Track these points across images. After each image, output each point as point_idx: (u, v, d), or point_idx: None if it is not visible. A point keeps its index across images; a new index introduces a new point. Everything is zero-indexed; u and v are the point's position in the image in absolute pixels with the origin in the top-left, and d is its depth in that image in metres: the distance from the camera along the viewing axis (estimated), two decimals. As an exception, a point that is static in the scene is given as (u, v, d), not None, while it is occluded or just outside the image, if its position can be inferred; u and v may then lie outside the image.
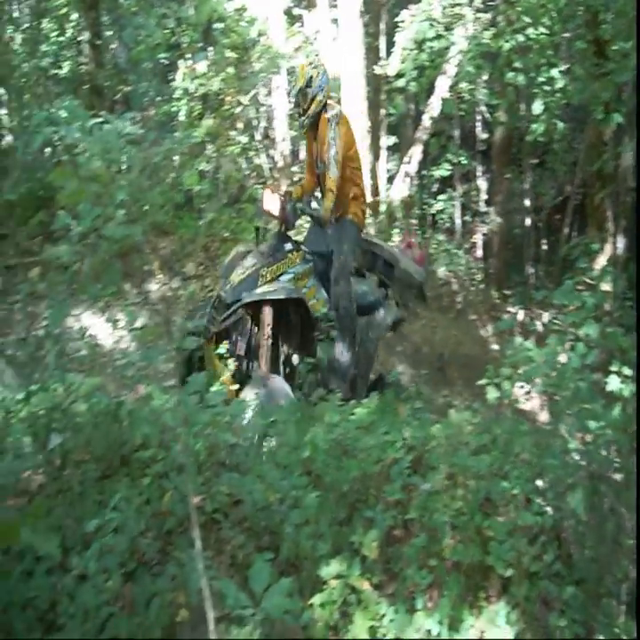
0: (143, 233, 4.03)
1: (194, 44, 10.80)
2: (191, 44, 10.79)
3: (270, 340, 4.71)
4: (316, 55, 11.38)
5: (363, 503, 2.48)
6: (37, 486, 2.64)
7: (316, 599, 2.00)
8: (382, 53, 12.85)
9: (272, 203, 4.94)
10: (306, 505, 2.36)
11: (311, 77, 4.92)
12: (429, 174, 13.57)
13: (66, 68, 13.28)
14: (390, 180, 12.40)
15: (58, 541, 2.12)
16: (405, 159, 11.98)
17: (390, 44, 12.36)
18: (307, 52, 11.43)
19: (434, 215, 13.80)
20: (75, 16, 12.73)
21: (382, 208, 11.62)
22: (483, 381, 3.29)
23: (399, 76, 11.08)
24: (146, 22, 11.28)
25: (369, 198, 5.28)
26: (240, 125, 10.76)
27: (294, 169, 11.60)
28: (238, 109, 10.42)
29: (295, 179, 11.75)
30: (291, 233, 5.10)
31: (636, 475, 2.53)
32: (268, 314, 4.72)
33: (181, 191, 8.38)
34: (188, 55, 10.65)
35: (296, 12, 12.20)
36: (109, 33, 11.51)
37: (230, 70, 10.51)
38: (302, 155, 13.08)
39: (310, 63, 5.07)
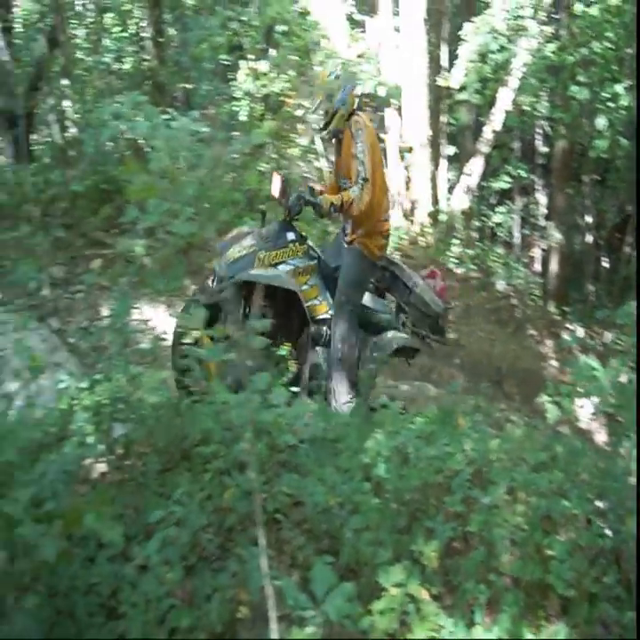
0: (210, 231, 4.06)
1: (255, 46, 10.90)
2: (253, 46, 10.88)
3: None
4: (377, 63, 11.39)
5: (423, 513, 2.47)
6: (99, 474, 2.69)
7: (377, 606, 1.99)
8: (443, 62, 12.81)
9: (275, 186, 4.79)
10: (366, 511, 2.36)
11: (332, 91, 4.69)
12: (488, 186, 13.47)
13: (127, 63, 13.47)
14: (450, 189, 12.34)
15: (121, 530, 2.15)
16: (466, 170, 11.91)
17: (451, 53, 12.33)
18: (368, 58, 11.41)
19: (492, 227, 13.69)
20: (137, 13, 12.92)
21: (442, 218, 11.59)
22: (543, 399, 3.27)
23: (462, 88, 11.03)
24: (209, 23, 11.40)
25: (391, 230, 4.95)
26: (301, 128, 10.80)
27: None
28: (299, 112, 10.47)
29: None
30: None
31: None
32: (258, 296, 4.57)
33: (242, 191, 8.44)
34: (250, 56, 10.74)
35: (358, 17, 12.18)
36: (172, 31, 11.62)
37: (291, 73, 10.56)
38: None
39: (331, 73, 4.81)
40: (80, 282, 5.09)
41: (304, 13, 10.81)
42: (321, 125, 4.78)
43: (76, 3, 12.98)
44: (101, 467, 2.70)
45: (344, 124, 4.67)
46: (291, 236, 4.76)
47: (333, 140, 4.88)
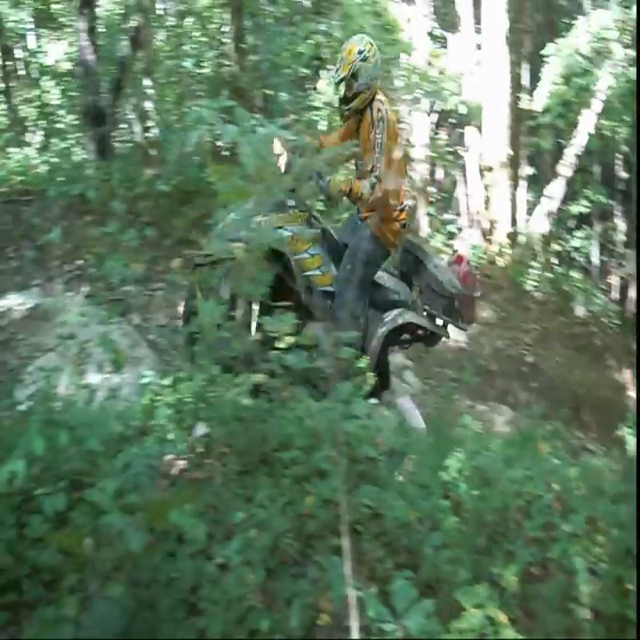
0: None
1: (336, 56, 10.95)
2: (334, 57, 10.94)
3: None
4: (459, 80, 11.36)
5: (502, 535, 2.45)
6: (178, 471, 2.72)
7: (457, 625, 1.98)
8: (525, 80, 12.70)
9: (279, 154, 4.50)
10: (445, 528, 2.35)
11: (359, 70, 4.50)
12: (567, 209, 13.29)
13: (207, 68, 13.63)
14: (528, 211, 12.21)
15: (203, 528, 2.18)
16: (547, 193, 11.76)
17: (532, 72, 12.23)
18: (449, 74, 11.40)
19: (570, 252, 13.49)
20: (217, 18, 13.08)
21: (520, 239, 11.48)
22: (622, 430, 3.22)
23: (545, 110, 10.92)
24: (291, 32, 11.49)
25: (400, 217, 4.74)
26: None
27: (431, 189, 11.60)
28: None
29: (431, 199, 11.77)
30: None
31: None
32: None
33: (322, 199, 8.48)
34: (330, 66, 10.81)
35: (440, 33, 12.18)
36: (252, 38, 11.74)
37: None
38: (439, 174, 13.07)
39: (360, 51, 4.55)
40: (160, 280, 5.18)
41: (386, 27, 10.85)
42: (341, 98, 4.62)
43: (156, 6, 13.18)
44: (181, 463, 2.73)
45: (365, 106, 4.52)
46: (291, 202, 4.58)
47: (354, 116, 4.67)
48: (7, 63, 13.46)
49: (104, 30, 12.82)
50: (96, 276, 5.28)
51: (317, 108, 10.64)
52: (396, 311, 4.67)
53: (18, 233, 7.39)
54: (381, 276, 4.82)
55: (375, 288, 4.73)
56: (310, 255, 4.58)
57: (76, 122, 12.86)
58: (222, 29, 12.74)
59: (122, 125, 12.26)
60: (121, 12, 13.15)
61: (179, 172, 7.11)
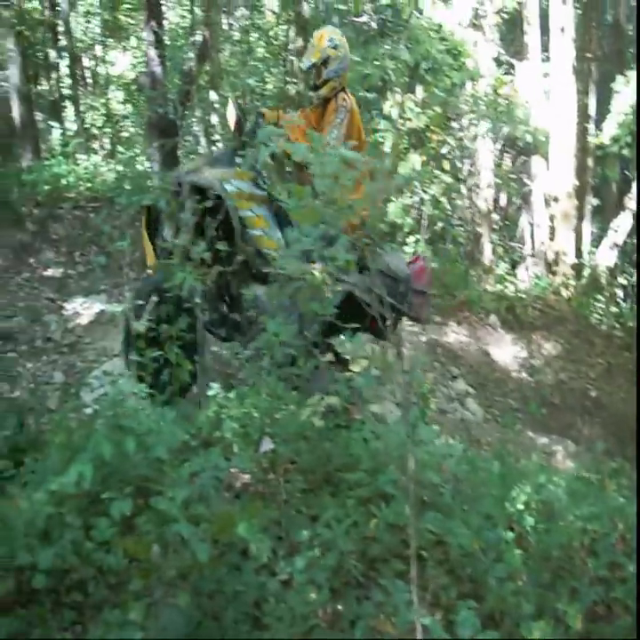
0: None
1: (402, 80, 10.99)
2: (399, 80, 10.98)
3: (189, 232, 4.32)
4: (525, 108, 11.30)
5: (567, 572, 2.42)
6: (242, 484, 2.74)
7: (522, 660, 1.97)
8: (592, 110, 12.59)
9: (230, 114, 4.58)
10: (510, 560, 2.33)
11: (328, 57, 4.53)
12: (633, 242, 13.08)
13: (270, 84, 13.74)
14: (593, 242, 12.06)
15: (269, 543, 2.20)
16: (613, 225, 11.60)
17: (599, 101, 12.13)
18: (516, 102, 11.35)
19: (634, 286, 13.26)
20: (282, 35, 13.20)
21: (585, 271, 11.35)
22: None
23: (615, 140, 10.81)
24: (357, 53, 11.54)
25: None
26: (446, 166, 10.81)
27: (495, 216, 11.55)
28: (444, 150, 10.52)
29: (495, 226, 11.72)
30: None
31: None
32: (189, 202, 4.37)
33: (385, 222, 8.52)
34: (396, 89, 10.85)
35: (506, 59, 12.15)
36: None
37: (437, 109, 10.61)
38: (503, 201, 13.01)
39: (330, 39, 4.58)
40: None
41: (452, 52, 10.86)
42: (312, 86, 4.67)
43: (222, 20, 13.36)
44: (245, 477, 2.76)
45: (332, 96, 4.56)
46: (238, 159, 4.53)
47: (318, 108, 4.72)
48: (75, 71, 13.78)
49: (171, 43, 13.05)
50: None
51: (382, 131, 10.67)
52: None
53: (86, 239, 7.56)
54: None
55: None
56: (254, 214, 4.52)
57: (142, 131, 13.07)
58: (287, 46, 12.84)
59: (186, 137, 12.43)
60: (187, 25, 13.37)
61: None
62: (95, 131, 14.40)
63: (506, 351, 8.73)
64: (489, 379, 6.42)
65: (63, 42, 13.35)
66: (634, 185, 11.57)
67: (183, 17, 14.37)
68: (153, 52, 9.11)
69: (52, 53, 13.29)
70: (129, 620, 2.08)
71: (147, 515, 2.43)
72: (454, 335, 8.49)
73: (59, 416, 3.27)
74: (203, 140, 11.50)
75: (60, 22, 12.99)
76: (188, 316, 4.04)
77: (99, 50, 14.80)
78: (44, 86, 13.62)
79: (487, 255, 11.31)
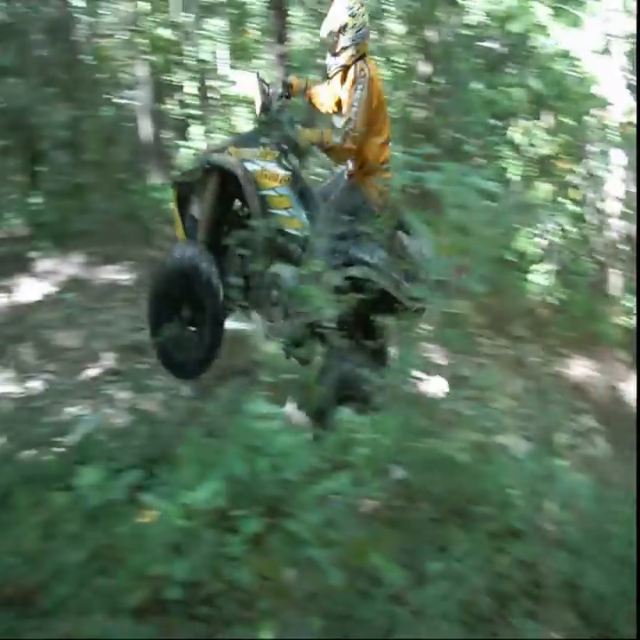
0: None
1: (529, 106, 10.83)
2: (527, 106, 10.82)
3: (211, 211, 4.65)
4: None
5: None
6: (372, 511, 2.74)
7: None
8: None
9: (255, 93, 4.71)
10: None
11: (346, 25, 4.54)
12: None
13: (395, 107, 13.74)
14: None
15: (402, 572, 2.19)
16: None
17: None
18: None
19: None
20: (407, 59, 13.18)
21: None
22: None
23: None
24: (484, 80, 11.46)
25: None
26: (574, 195, 10.58)
27: (624, 248, 11.17)
28: (572, 178, 10.30)
29: (624, 257, 11.34)
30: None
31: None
32: (211, 182, 4.62)
33: (510, 250, 8.42)
34: (523, 115, 10.71)
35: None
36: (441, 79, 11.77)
37: (565, 137, 10.41)
38: (633, 232, 12.56)
39: (348, 7, 4.56)
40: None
41: (581, 78, 10.64)
42: (330, 53, 4.68)
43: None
44: (373, 503, 2.75)
45: (352, 63, 4.57)
46: (264, 139, 4.71)
47: (338, 74, 4.75)
48: (202, 92, 14.26)
49: (296, 64, 13.26)
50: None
51: (507, 158, 10.56)
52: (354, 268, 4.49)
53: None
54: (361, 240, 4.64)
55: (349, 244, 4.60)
56: (277, 194, 4.64)
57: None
58: (413, 71, 12.84)
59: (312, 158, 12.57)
60: (312, 47, 13.57)
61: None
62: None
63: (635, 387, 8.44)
64: (617, 415, 6.15)
65: (190, 62, 13.84)
66: None
67: (308, 40, 14.60)
68: (279, 74, 9.32)
69: (180, 75, 13.83)
70: (259, 638, 2.11)
71: (277, 535, 2.46)
72: (581, 368, 8.25)
73: (190, 430, 3.36)
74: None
75: (187, 45, 13.48)
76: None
77: (224, 70, 15.23)
78: (170, 106, 14.13)
79: (616, 287, 10.95)
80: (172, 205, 4.99)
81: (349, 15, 4.54)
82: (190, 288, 4.66)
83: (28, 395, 4.84)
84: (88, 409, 4.74)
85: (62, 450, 3.75)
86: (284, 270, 4.64)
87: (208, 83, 14.50)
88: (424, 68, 11.36)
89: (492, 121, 11.45)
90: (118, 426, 4.21)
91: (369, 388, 3.79)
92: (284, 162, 4.73)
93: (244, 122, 15.42)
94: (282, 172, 4.69)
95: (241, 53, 15.54)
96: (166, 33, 13.29)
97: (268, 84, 4.84)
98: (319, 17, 12.92)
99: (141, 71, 11.05)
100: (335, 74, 4.77)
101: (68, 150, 10.69)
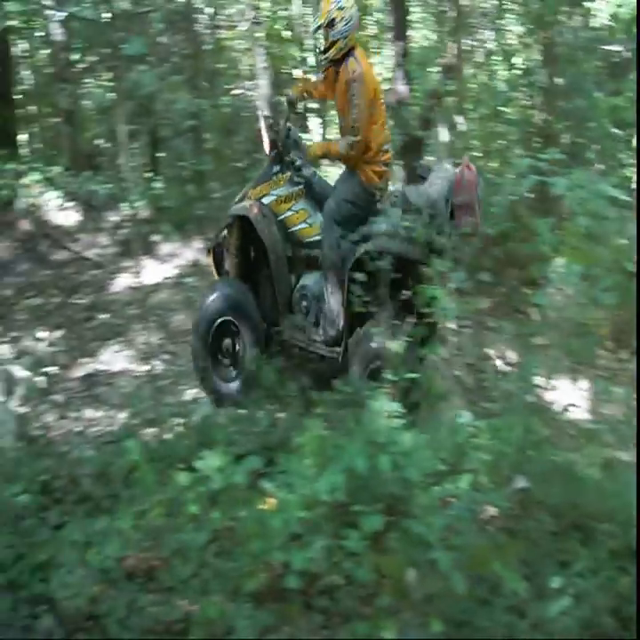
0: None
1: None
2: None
3: (237, 256, 4.98)
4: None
5: None
6: (490, 518, 2.74)
7: None
8: None
9: (264, 133, 5.19)
10: None
11: (334, 19, 4.59)
12: None
13: (511, 107, 13.46)
14: None
15: (524, 584, 2.18)
16: None
17: None
18: None
19: None
20: (521, 57, 12.89)
21: None
22: None
23: None
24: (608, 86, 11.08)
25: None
26: None
27: None
28: None
29: None
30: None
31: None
32: (233, 230, 4.96)
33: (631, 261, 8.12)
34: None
35: None
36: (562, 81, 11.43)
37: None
38: None
39: (336, 1, 4.63)
40: (466, 318, 5.22)
41: None
42: (321, 49, 4.79)
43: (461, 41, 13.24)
44: (492, 511, 2.74)
45: (341, 57, 4.65)
46: (275, 168, 5.02)
47: (330, 67, 4.84)
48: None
49: (416, 62, 13.15)
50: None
51: (631, 166, 10.20)
52: (375, 239, 4.57)
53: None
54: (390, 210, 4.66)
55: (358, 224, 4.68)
56: (294, 211, 4.98)
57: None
58: (532, 72, 12.55)
59: (429, 157, 12.49)
60: (433, 45, 13.44)
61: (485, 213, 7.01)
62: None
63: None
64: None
65: (308, 55, 13.95)
66: None
67: (427, 38, 14.47)
68: (399, 71, 9.26)
69: (298, 67, 13.97)
70: (381, 637, 2.14)
71: (397, 533, 2.49)
72: None
73: (309, 421, 3.40)
74: (445, 161, 11.49)
75: (305, 37, 13.58)
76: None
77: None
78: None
79: None
80: (212, 268, 5.47)
81: (337, 9, 4.64)
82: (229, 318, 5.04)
83: (149, 374, 5.01)
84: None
85: (182, 430, 3.88)
86: (307, 280, 4.98)
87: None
88: (543, 69, 11.08)
89: (615, 129, 11.09)
90: (236, 410, 4.32)
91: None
92: (295, 178, 5.03)
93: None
94: (294, 189, 5.02)
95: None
96: (285, 25, 13.44)
97: (273, 118, 5.29)
98: (439, 15, 12.84)
99: (260, 62, 11.18)
100: (327, 68, 4.92)
101: (189, 138, 10.96)
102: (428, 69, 12.14)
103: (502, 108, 12.92)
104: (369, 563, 2.44)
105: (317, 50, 5.05)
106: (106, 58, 10.43)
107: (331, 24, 4.64)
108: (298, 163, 5.01)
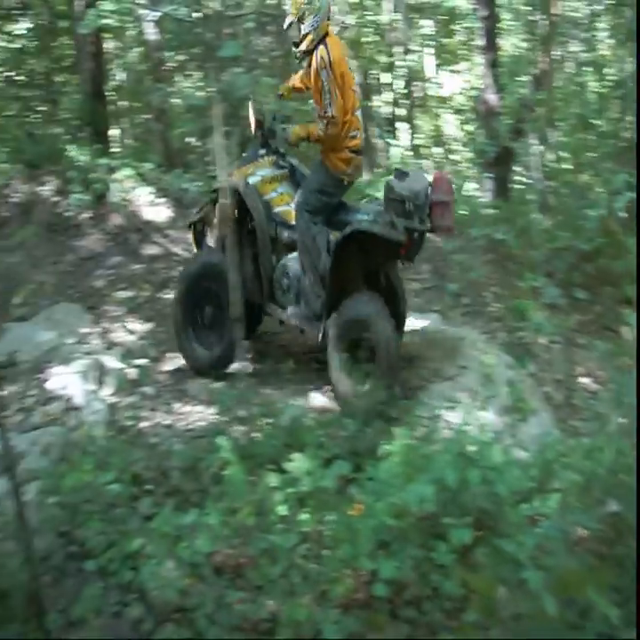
0: None
1: None
2: None
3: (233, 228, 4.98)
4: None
5: None
6: (579, 539, 2.71)
7: None
8: None
9: (251, 116, 5.24)
10: None
11: (304, 13, 4.78)
12: None
13: (602, 119, 13.14)
14: None
15: (617, 611, 2.16)
16: None
17: None
18: None
19: None
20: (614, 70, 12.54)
21: None
22: None
23: None
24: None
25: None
26: None
27: None
28: None
29: None
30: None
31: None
32: (219, 205, 4.97)
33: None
34: None
35: None
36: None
37: None
38: None
39: None
40: (558, 334, 5.16)
41: None
42: (295, 43, 4.99)
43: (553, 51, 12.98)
44: (581, 532, 2.72)
45: (313, 47, 4.81)
46: (261, 151, 5.29)
47: (305, 62, 5.04)
48: (410, 91, 14.36)
49: (506, 70, 12.96)
50: (494, 315, 5.43)
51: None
52: (350, 224, 4.78)
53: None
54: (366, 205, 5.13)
55: (341, 213, 4.98)
56: (278, 194, 5.21)
57: (474, 157, 13.10)
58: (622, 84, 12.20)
59: (518, 168, 12.28)
60: (523, 54, 13.22)
61: (576, 228, 6.87)
62: (425, 151, 14.81)
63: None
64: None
65: (397, 62, 13.94)
66: None
67: (517, 47, 14.24)
68: (489, 80, 9.15)
69: (386, 74, 14.02)
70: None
71: (486, 549, 2.49)
72: None
73: (397, 430, 3.42)
74: (536, 174, 11.27)
75: (395, 44, 13.58)
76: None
77: (430, 72, 15.20)
78: (376, 104, 14.28)
79: None
80: (192, 243, 5.80)
81: (306, 4, 4.82)
82: (212, 287, 5.25)
83: (236, 371, 5.09)
84: (294, 392, 4.93)
85: (271, 430, 3.94)
86: (289, 259, 5.14)
87: (414, 83, 14.55)
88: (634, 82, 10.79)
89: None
90: (325, 414, 4.37)
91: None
92: (280, 162, 5.32)
93: (448, 124, 15.36)
94: (279, 172, 5.29)
95: (448, 57, 15.45)
96: (373, 32, 13.44)
97: (261, 112, 5.45)
98: (530, 24, 12.59)
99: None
100: (302, 59, 5.10)
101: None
102: (516, 79, 11.99)
103: (593, 121, 12.64)
104: (456, 576, 2.45)
105: (293, 45, 5.16)
106: (196, 57, 10.62)
107: (301, 19, 4.85)
108: (281, 151, 5.33)
